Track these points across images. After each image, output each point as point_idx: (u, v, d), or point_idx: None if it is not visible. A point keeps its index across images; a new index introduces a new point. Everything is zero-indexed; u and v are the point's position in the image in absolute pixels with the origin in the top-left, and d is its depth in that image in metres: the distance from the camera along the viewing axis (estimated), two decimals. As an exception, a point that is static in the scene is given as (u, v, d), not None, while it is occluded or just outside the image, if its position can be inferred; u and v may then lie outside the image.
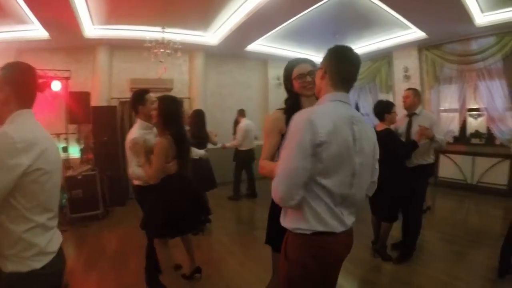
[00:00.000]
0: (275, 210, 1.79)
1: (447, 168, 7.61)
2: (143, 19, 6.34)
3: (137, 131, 2.98)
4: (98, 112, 6.59)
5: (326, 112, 1.41)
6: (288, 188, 1.34)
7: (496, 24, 6.32)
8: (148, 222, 2.84)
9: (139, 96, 3.09)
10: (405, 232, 3.97)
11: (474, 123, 7.66)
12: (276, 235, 1.76)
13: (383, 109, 3.76)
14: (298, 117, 1.40)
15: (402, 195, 3.72)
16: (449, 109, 7.80)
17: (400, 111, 4.13)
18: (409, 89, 4.03)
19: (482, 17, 6.31)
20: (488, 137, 7.34)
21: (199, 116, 5.30)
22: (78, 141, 6.74)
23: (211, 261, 3.92)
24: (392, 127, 3.88)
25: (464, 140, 7.67)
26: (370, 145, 1.56)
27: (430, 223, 5.45)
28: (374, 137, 1.63)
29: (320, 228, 1.40)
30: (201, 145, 4.95)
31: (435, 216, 5.75)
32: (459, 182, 7.30)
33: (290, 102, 1.98)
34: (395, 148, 3.54)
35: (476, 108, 7.48)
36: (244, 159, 6.89)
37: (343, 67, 1.51)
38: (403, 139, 3.84)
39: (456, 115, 7.68)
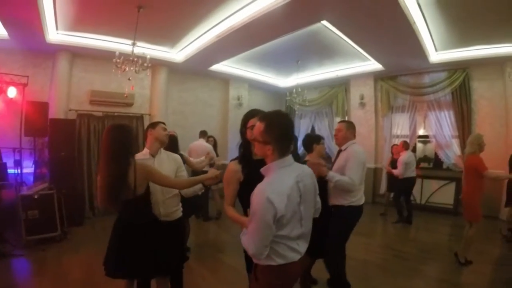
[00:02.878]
0: None
1: (398, 190, 8.12)
2: (109, 29, 6.19)
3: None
4: (56, 125, 6.15)
5: (280, 186, 1.62)
6: (258, 249, 1.61)
7: (448, 62, 7.13)
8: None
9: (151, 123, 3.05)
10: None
11: (423, 149, 8.37)
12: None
13: (312, 140, 3.53)
14: (258, 196, 1.58)
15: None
16: (400, 135, 8.44)
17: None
18: (342, 121, 3.70)
19: (436, 55, 7.07)
20: (436, 162, 8.09)
21: (171, 142, 4.59)
22: (33, 155, 6.24)
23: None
24: None
25: (413, 164, 8.28)
26: (312, 189, 1.82)
27: (384, 241, 5.83)
28: (313, 180, 1.86)
29: (282, 261, 1.68)
30: None
31: (389, 235, 6.13)
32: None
33: (243, 150, 2.21)
34: None
35: (425, 135, 8.29)
36: None
37: (288, 143, 1.73)
38: None
39: (407, 140, 8.26)
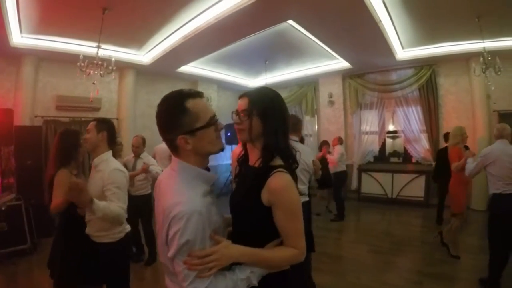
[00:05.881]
0: None
1: (369, 185, 8.38)
2: (75, 32, 5.97)
3: None
4: (21, 133, 5.91)
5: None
6: None
7: (415, 59, 7.37)
8: None
9: None
10: None
11: (392, 144, 8.60)
12: None
13: None
14: None
15: None
16: (369, 131, 8.66)
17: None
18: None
19: (402, 52, 7.28)
20: (405, 156, 8.34)
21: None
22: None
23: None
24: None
25: (383, 159, 8.53)
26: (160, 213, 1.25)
27: (357, 236, 5.95)
28: (164, 205, 1.19)
29: None
30: None
31: (362, 229, 6.25)
32: (380, 197, 8.07)
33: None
34: None
35: (394, 131, 8.56)
36: None
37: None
38: None
39: (376, 137, 8.52)
